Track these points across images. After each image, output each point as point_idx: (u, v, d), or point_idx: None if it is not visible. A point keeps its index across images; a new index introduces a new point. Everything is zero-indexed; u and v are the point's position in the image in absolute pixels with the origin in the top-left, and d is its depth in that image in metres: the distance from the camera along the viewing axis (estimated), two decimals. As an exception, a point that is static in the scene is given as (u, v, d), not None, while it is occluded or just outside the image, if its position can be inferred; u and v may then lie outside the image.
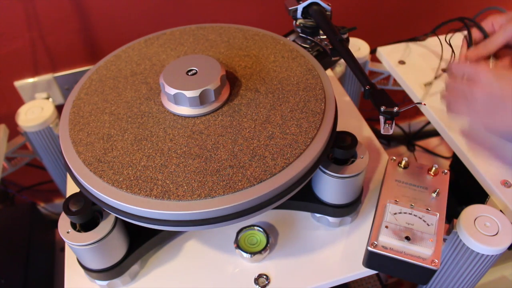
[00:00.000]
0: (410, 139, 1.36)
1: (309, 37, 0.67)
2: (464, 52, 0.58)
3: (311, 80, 0.56)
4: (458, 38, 0.66)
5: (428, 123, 1.32)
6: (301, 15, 0.65)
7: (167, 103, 0.53)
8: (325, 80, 0.56)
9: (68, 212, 0.48)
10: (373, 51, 0.90)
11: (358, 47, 0.90)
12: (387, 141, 1.37)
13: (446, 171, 0.58)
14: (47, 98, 0.96)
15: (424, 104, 0.57)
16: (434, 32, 0.72)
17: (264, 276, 0.56)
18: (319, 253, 0.58)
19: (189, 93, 0.50)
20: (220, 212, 0.44)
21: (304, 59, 0.60)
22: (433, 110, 0.72)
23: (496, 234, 0.53)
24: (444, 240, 0.58)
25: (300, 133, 0.50)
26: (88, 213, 0.49)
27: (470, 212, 0.56)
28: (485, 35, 0.58)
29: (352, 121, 0.76)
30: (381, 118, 0.51)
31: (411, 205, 0.54)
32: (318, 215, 0.60)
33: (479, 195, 0.65)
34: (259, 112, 0.53)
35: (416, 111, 1.31)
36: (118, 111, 0.54)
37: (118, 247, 0.52)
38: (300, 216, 0.63)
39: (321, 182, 0.56)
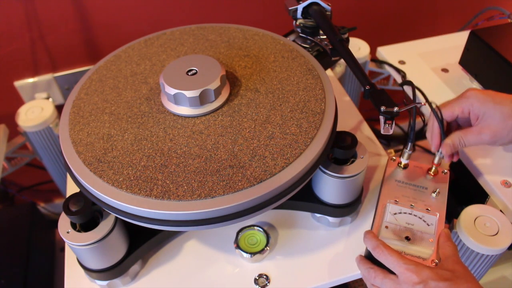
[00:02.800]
0: (410, 139, 1.36)
1: (309, 37, 0.67)
2: (437, 132, 0.55)
3: (311, 80, 0.56)
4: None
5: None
6: (301, 15, 0.65)
7: (167, 103, 0.53)
8: (325, 80, 0.56)
9: (68, 212, 0.48)
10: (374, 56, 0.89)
11: (358, 47, 0.90)
12: (387, 141, 1.37)
13: (446, 171, 0.58)
14: (47, 98, 0.96)
15: (424, 104, 0.57)
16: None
17: (264, 276, 0.56)
18: (319, 253, 0.58)
19: (189, 93, 0.50)
20: (220, 212, 0.44)
21: (304, 59, 0.60)
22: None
23: (496, 234, 0.53)
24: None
25: (300, 133, 0.50)
26: (88, 213, 0.49)
27: (470, 212, 0.56)
28: (443, 133, 0.55)
29: (352, 121, 0.76)
30: (381, 118, 0.51)
31: (411, 205, 0.54)
32: (318, 215, 0.60)
33: (479, 195, 0.65)
34: (259, 112, 0.53)
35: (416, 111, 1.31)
36: (118, 111, 0.54)
37: (118, 247, 0.52)
38: (300, 216, 0.63)
39: (321, 182, 0.56)
